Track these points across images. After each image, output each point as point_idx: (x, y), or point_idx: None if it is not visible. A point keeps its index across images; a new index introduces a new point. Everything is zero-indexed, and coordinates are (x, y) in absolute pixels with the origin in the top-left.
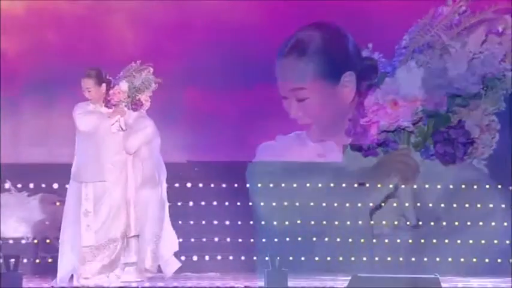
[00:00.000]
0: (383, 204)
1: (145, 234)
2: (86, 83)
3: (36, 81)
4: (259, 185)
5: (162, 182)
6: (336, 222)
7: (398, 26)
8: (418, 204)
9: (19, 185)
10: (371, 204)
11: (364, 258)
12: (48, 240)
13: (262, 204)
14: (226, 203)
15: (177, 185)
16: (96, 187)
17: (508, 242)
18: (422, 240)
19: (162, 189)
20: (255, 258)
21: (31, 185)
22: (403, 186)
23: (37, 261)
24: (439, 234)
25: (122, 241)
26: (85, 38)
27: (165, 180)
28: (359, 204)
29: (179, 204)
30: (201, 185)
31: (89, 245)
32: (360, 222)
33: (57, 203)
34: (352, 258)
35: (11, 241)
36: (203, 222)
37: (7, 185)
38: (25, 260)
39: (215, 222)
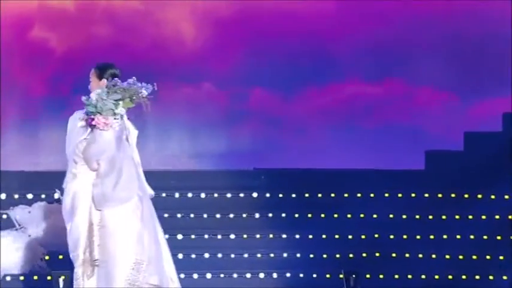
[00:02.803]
0: None
1: (115, 259)
2: (91, 72)
3: (87, 80)
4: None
5: (139, 199)
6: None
7: None
8: None
9: None
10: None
11: (450, 276)
12: None
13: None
14: (296, 215)
15: (242, 194)
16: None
17: None
18: None
19: (137, 208)
20: (328, 275)
21: None
22: None
23: None
24: None
25: (82, 265)
26: (139, 35)
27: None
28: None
29: (244, 215)
30: (268, 194)
31: None
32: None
33: None
34: (436, 277)
35: (60, 256)
36: (270, 235)
37: (56, 195)
38: None
39: (284, 236)
